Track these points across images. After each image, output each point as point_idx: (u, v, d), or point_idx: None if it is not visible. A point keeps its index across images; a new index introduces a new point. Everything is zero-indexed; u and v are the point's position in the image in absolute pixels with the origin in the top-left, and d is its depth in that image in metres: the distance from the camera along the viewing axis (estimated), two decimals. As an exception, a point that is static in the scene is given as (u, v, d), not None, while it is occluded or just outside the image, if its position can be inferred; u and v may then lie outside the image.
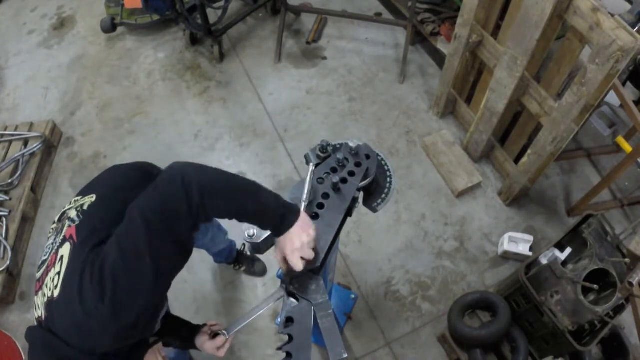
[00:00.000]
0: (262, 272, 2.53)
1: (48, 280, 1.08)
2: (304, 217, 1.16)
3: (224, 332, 1.44)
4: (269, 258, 2.49)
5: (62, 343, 1.01)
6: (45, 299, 1.06)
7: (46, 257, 1.15)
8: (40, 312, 1.08)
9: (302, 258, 1.14)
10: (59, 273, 1.05)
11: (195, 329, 1.50)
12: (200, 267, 2.54)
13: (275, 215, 1.12)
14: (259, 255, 2.51)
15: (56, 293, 1.03)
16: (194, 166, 1.06)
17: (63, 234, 1.13)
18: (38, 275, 1.15)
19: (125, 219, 1.00)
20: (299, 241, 1.13)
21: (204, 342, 1.46)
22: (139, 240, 0.96)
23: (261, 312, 1.32)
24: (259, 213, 1.11)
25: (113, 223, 1.04)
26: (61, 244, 1.11)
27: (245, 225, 1.20)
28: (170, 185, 1.00)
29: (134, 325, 1.01)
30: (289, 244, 1.13)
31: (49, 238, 1.21)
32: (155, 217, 0.97)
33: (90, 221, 1.12)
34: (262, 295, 2.49)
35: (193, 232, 1.05)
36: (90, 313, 0.97)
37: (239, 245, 2.46)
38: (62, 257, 1.07)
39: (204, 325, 1.51)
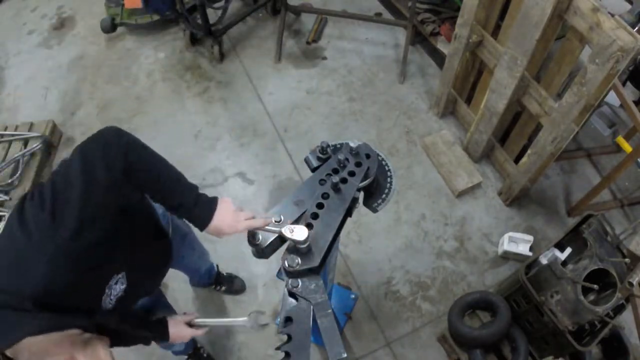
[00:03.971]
0: (242, 288, 2.48)
1: None
2: (220, 199, 1.25)
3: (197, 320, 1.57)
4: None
5: None
6: None
7: None
8: None
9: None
10: None
11: (161, 321, 1.53)
12: (200, 267, 2.54)
13: (193, 197, 1.21)
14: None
15: None
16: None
17: None
18: None
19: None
20: (226, 219, 1.22)
21: (178, 328, 1.53)
22: (73, 163, 1.03)
23: (228, 322, 1.61)
24: (176, 188, 1.20)
25: None
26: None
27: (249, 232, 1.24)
28: (103, 133, 1.11)
29: (72, 249, 0.96)
30: (219, 227, 1.22)
31: None
32: (89, 148, 1.07)
33: None
34: (262, 295, 2.49)
35: (124, 172, 1.09)
36: (28, 229, 0.95)
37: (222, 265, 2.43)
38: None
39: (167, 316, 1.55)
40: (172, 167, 1.22)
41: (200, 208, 1.22)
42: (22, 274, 0.93)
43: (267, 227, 1.22)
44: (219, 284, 2.43)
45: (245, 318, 1.64)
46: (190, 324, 1.57)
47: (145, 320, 1.53)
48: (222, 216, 1.22)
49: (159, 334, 1.51)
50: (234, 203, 1.27)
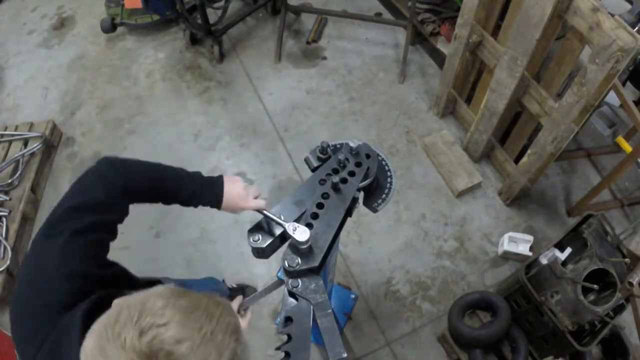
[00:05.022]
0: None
1: None
2: (226, 177, 1.27)
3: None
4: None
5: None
6: None
7: None
8: None
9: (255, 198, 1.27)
10: None
11: None
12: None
13: (199, 184, 1.22)
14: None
15: None
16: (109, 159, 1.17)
17: None
18: None
19: None
20: (237, 194, 1.25)
21: None
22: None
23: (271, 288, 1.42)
24: (180, 184, 1.21)
25: None
26: None
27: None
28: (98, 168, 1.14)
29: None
30: (234, 202, 1.25)
31: None
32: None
33: None
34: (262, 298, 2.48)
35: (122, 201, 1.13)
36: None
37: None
38: None
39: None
40: (167, 167, 1.22)
41: (210, 190, 1.24)
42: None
43: (274, 217, 1.22)
44: (230, 297, 2.41)
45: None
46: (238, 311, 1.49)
47: None
48: (233, 190, 1.25)
49: None
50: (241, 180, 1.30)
